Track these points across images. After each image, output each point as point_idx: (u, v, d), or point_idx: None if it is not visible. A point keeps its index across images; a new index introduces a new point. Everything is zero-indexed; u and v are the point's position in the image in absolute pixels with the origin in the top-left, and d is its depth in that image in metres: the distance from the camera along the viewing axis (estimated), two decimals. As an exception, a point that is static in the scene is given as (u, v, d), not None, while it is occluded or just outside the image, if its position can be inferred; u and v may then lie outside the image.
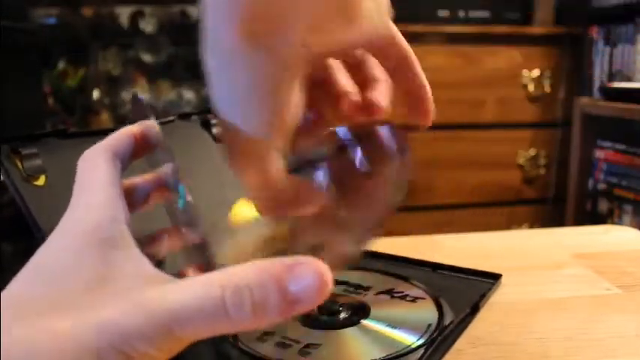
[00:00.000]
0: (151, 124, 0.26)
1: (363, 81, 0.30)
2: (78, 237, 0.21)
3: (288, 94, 0.23)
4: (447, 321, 0.35)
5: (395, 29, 0.28)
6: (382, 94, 0.30)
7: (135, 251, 0.21)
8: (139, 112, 0.29)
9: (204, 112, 0.48)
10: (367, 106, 0.29)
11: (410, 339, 0.33)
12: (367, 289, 0.40)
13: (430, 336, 0.33)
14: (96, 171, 0.24)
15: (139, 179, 0.28)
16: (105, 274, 0.20)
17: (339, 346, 0.33)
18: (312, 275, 0.20)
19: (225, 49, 0.22)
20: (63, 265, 0.20)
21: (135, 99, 0.29)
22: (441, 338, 0.33)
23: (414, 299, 0.38)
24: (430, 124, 0.30)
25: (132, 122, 0.28)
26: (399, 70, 0.29)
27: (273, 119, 0.23)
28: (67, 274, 0.20)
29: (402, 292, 0.39)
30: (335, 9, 0.22)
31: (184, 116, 0.47)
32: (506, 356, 0.34)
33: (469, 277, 0.43)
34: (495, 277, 0.43)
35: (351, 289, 0.40)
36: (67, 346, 0.18)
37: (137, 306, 0.19)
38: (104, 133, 0.41)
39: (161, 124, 0.45)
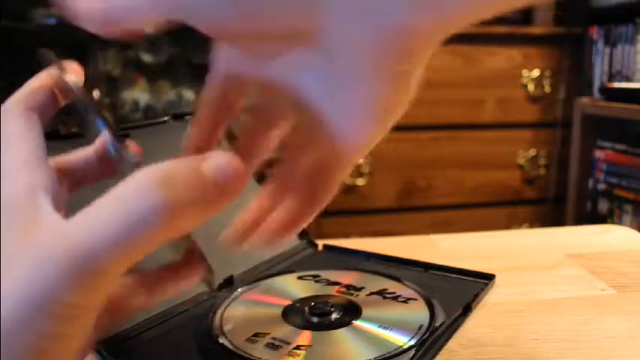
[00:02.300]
0: (66, 67, 0.24)
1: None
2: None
3: None
4: (438, 322, 0.35)
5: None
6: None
7: (50, 217, 0.20)
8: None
9: None
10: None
11: (401, 339, 0.33)
12: (359, 289, 0.40)
13: (422, 337, 0.33)
14: (10, 129, 0.22)
15: (79, 154, 0.27)
16: (20, 243, 0.19)
17: (330, 346, 0.33)
18: (224, 156, 0.19)
19: None
20: None
21: (41, 56, 0.26)
22: (432, 339, 0.33)
23: (406, 300, 0.38)
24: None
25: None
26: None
27: None
28: None
29: (395, 292, 0.39)
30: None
31: (178, 116, 0.47)
32: (498, 357, 0.34)
33: (462, 277, 0.43)
34: (489, 278, 0.42)
35: (344, 289, 0.40)
36: None
37: (45, 257, 0.18)
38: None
39: (154, 124, 0.45)
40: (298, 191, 0.26)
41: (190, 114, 0.48)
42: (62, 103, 0.25)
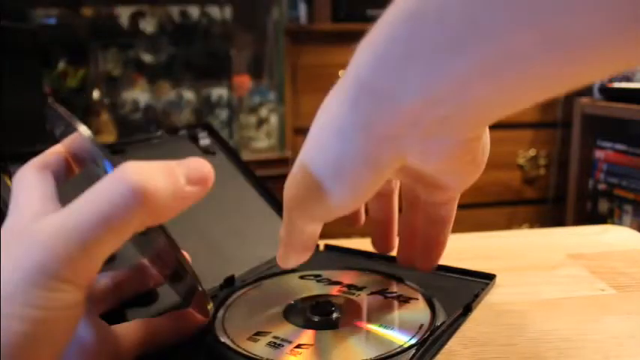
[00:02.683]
0: (78, 137, 0.27)
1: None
2: (7, 235, 0.23)
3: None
4: (439, 321, 0.35)
5: None
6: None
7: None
8: (56, 122, 0.29)
9: (191, 127, 0.49)
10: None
11: (402, 339, 0.33)
12: (361, 289, 0.40)
13: (422, 336, 0.33)
14: (26, 182, 0.26)
15: None
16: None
17: (332, 346, 0.33)
18: (196, 160, 0.25)
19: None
20: None
21: (49, 108, 0.29)
22: (432, 339, 0.33)
23: (407, 299, 0.38)
24: (428, 271, 0.36)
25: (51, 134, 0.30)
26: (434, 220, 0.34)
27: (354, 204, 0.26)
28: None
29: (396, 292, 0.39)
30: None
31: (172, 131, 0.47)
32: (499, 357, 0.34)
33: (463, 277, 0.43)
34: (489, 278, 0.43)
35: (345, 289, 0.40)
36: None
37: (39, 239, 0.21)
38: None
39: (149, 139, 0.46)
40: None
41: (184, 128, 0.49)
42: (76, 171, 0.29)
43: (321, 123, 0.25)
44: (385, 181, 0.26)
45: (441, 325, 0.34)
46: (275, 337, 0.33)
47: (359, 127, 0.23)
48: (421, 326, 0.34)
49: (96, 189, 0.22)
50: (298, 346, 0.32)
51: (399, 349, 0.32)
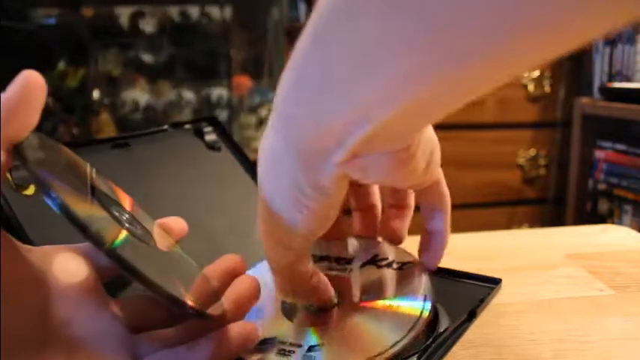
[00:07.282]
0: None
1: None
2: None
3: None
4: (442, 327, 0.34)
5: (441, 176, 0.32)
6: (405, 224, 0.35)
7: None
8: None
9: (196, 121, 0.48)
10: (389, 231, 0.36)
11: (415, 306, 0.32)
12: (350, 261, 0.37)
13: (432, 303, 0.33)
14: None
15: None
16: None
17: (346, 339, 0.31)
18: None
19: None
20: None
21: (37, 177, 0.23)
22: (435, 345, 0.32)
23: (401, 265, 0.36)
24: (433, 269, 0.35)
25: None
26: (430, 210, 0.33)
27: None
28: None
29: (387, 258, 0.37)
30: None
31: (177, 125, 0.47)
32: (497, 358, 0.34)
33: (467, 281, 0.42)
34: (495, 282, 0.42)
35: (334, 264, 0.37)
36: None
37: None
38: (89, 144, 0.41)
39: (154, 133, 0.46)
40: None
41: (189, 122, 0.48)
42: None
43: (263, 153, 0.26)
44: (342, 198, 0.27)
45: (444, 331, 0.34)
46: (282, 343, 0.31)
47: (289, 153, 0.24)
48: (426, 296, 0.33)
49: None
50: (310, 349, 0.30)
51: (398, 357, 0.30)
